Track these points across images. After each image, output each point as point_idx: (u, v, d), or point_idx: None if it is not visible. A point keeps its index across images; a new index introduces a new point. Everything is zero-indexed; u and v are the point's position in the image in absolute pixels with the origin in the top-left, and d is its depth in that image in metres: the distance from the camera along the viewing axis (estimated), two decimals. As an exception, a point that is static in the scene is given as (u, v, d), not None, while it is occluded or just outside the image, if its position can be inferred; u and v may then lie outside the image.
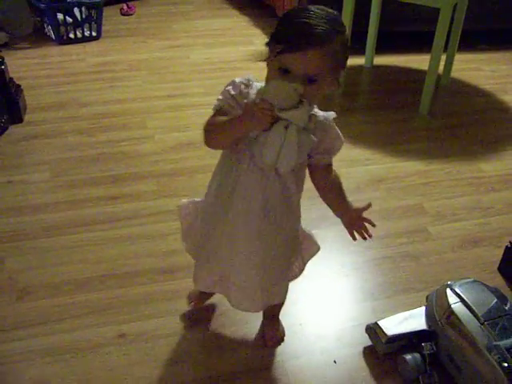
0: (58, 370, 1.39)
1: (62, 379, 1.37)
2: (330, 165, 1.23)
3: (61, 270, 1.69)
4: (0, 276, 1.66)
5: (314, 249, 1.40)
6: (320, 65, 1.03)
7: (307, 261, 1.42)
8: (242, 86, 1.14)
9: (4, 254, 1.74)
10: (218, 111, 1.15)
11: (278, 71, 1.05)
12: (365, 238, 1.26)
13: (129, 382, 1.37)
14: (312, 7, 1.05)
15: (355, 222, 1.25)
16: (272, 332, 1.50)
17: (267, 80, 1.10)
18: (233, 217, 1.21)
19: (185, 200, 1.38)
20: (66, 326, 1.51)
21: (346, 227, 1.27)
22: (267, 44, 1.10)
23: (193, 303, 1.57)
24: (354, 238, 1.26)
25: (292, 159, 1.07)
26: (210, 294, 1.56)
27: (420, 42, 3.08)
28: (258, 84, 1.14)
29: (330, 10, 1.06)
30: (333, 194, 1.26)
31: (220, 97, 1.15)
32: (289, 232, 1.29)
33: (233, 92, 1.14)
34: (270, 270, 1.30)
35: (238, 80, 1.15)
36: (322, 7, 1.06)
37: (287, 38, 1.03)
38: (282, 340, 1.49)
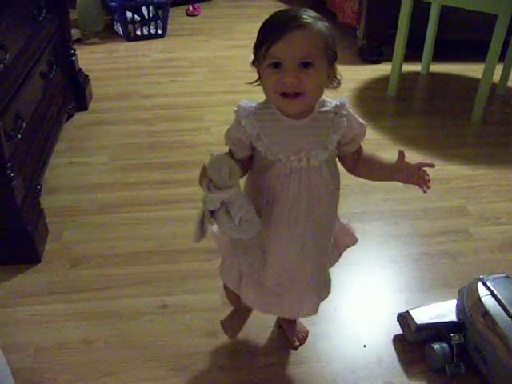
0: (102, 331, 1.50)
1: (106, 340, 1.48)
2: (359, 149, 1.19)
3: (112, 244, 1.81)
4: (57, 245, 1.79)
5: (350, 240, 1.35)
6: (307, 46, 1.00)
7: (343, 251, 1.38)
8: (243, 123, 1.11)
9: (62, 226, 1.88)
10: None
11: (269, 70, 1.03)
12: (425, 189, 1.16)
13: (167, 348, 1.45)
14: (285, 9, 1.08)
15: (412, 174, 1.15)
16: (296, 331, 1.49)
17: (265, 92, 1.09)
18: (277, 227, 1.17)
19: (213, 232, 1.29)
20: (113, 293, 1.62)
21: (405, 181, 1.18)
22: (253, 62, 1.10)
23: (230, 333, 1.46)
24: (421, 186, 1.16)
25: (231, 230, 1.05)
26: (245, 318, 1.48)
27: (478, 51, 3.07)
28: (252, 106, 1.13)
29: (305, 9, 1.06)
30: (367, 167, 1.20)
31: (226, 141, 1.16)
32: (331, 225, 1.26)
33: (236, 135, 1.13)
34: (320, 263, 1.28)
35: (239, 117, 1.12)
36: (297, 7, 1.09)
37: (269, 32, 1.02)
38: (307, 336, 1.50)
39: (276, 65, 1.02)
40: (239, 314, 1.47)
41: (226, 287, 1.41)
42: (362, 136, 1.16)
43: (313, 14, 1.05)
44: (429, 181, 1.15)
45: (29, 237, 1.66)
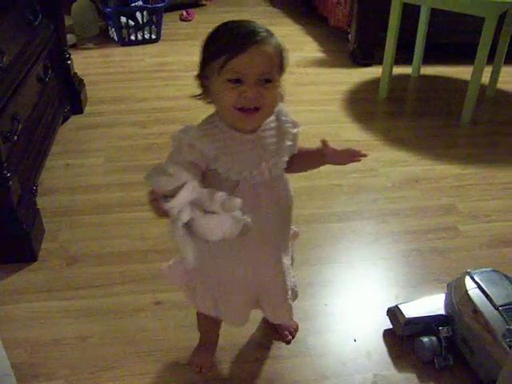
0: (98, 327, 1.53)
1: (101, 335, 1.51)
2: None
3: (107, 243, 1.84)
4: (53, 245, 1.82)
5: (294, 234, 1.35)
6: (268, 61, 1.00)
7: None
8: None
9: (58, 226, 1.91)
10: None
11: (228, 84, 1.00)
12: (360, 158, 1.14)
13: (162, 343, 1.48)
14: (234, 22, 1.04)
15: (340, 156, 1.14)
16: (286, 326, 1.51)
17: (220, 107, 1.06)
18: (250, 244, 1.16)
19: (166, 264, 1.31)
20: (108, 291, 1.65)
21: (338, 164, 1.16)
22: (199, 75, 1.07)
23: (202, 369, 1.42)
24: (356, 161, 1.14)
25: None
26: (214, 350, 1.46)
27: (468, 54, 3.12)
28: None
29: (254, 22, 1.04)
30: (298, 162, 1.19)
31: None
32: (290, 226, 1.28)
33: (189, 158, 1.05)
34: (288, 267, 1.29)
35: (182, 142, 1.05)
36: (246, 20, 1.05)
37: (226, 46, 0.99)
38: (298, 329, 1.53)
39: (236, 80, 0.99)
40: (207, 346, 1.46)
41: (199, 316, 1.40)
42: (298, 137, 1.16)
43: (264, 27, 1.03)
44: (361, 154, 1.13)
45: (25, 236, 1.69)
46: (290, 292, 1.30)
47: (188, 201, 0.94)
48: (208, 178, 1.08)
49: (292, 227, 1.30)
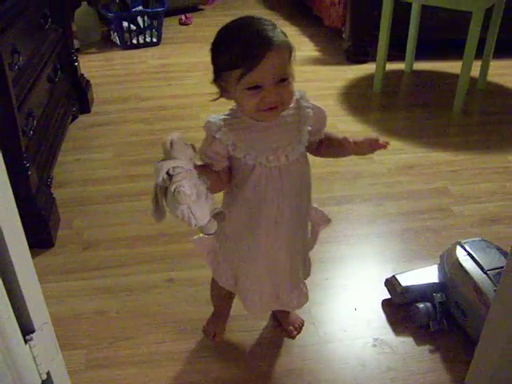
0: (114, 303, 1.64)
1: (118, 310, 1.62)
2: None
3: (119, 229, 1.95)
4: (69, 232, 1.93)
5: (325, 221, 1.38)
6: (283, 64, 1.04)
7: (319, 233, 1.41)
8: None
9: (72, 215, 2.02)
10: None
11: (247, 92, 1.04)
12: (384, 145, 1.18)
13: (175, 315, 1.59)
14: (242, 22, 1.06)
15: (361, 147, 1.18)
16: (291, 320, 1.55)
17: (242, 108, 1.10)
18: (264, 227, 1.22)
19: (198, 237, 1.37)
20: (123, 271, 1.76)
21: (363, 154, 1.21)
22: (215, 80, 1.10)
23: (215, 336, 1.52)
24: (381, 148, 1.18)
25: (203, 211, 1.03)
26: (226, 320, 1.55)
27: (459, 50, 3.24)
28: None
29: (259, 17, 1.06)
30: (326, 148, 1.25)
31: (201, 157, 1.14)
32: (308, 212, 1.32)
33: (212, 149, 1.13)
34: (305, 252, 1.38)
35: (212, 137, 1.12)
36: (252, 17, 1.06)
37: (240, 56, 1.01)
38: (303, 324, 1.56)
39: (255, 87, 1.04)
40: (220, 316, 1.54)
41: (214, 289, 1.48)
42: (325, 121, 1.21)
43: (270, 23, 1.06)
44: (381, 142, 1.17)
45: (43, 221, 1.80)
46: (301, 273, 1.36)
47: (164, 169, 0.99)
48: (233, 164, 1.16)
49: (323, 211, 1.36)
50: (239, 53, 1.02)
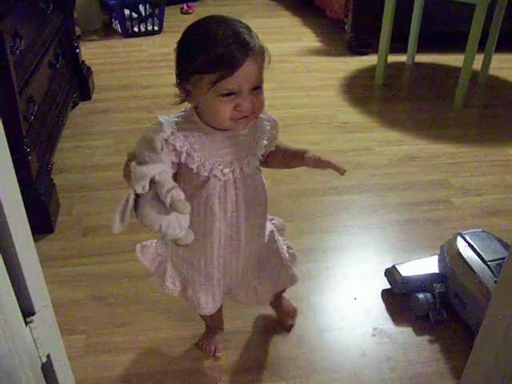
0: (113, 289, 1.64)
1: (116, 296, 1.62)
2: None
3: (119, 215, 1.94)
4: (69, 218, 1.93)
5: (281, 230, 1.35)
6: (259, 72, 1.00)
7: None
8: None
9: (72, 201, 2.02)
10: None
11: (221, 98, 0.98)
12: (341, 171, 1.11)
13: (172, 303, 1.57)
14: (215, 21, 0.99)
15: (320, 166, 1.12)
16: (285, 308, 1.52)
17: (210, 116, 1.03)
18: (217, 239, 1.16)
19: (140, 245, 1.31)
20: (122, 257, 1.75)
21: (316, 168, 1.13)
22: (180, 83, 1.03)
23: (215, 353, 1.44)
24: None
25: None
26: (221, 332, 1.49)
27: (462, 43, 3.24)
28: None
29: (231, 18, 1.01)
30: (277, 160, 1.18)
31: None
32: (265, 221, 1.26)
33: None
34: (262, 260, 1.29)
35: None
36: (224, 17, 1.01)
37: (219, 63, 0.95)
38: (296, 312, 1.54)
39: (229, 94, 0.98)
40: (214, 330, 1.47)
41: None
42: (278, 134, 1.15)
43: (244, 25, 1.00)
44: (341, 168, 1.11)
45: (43, 207, 1.79)
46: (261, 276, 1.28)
47: (151, 175, 0.95)
48: (181, 172, 1.09)
49: (278, 220, 1.33)
50: (217, 56, 0.95)
